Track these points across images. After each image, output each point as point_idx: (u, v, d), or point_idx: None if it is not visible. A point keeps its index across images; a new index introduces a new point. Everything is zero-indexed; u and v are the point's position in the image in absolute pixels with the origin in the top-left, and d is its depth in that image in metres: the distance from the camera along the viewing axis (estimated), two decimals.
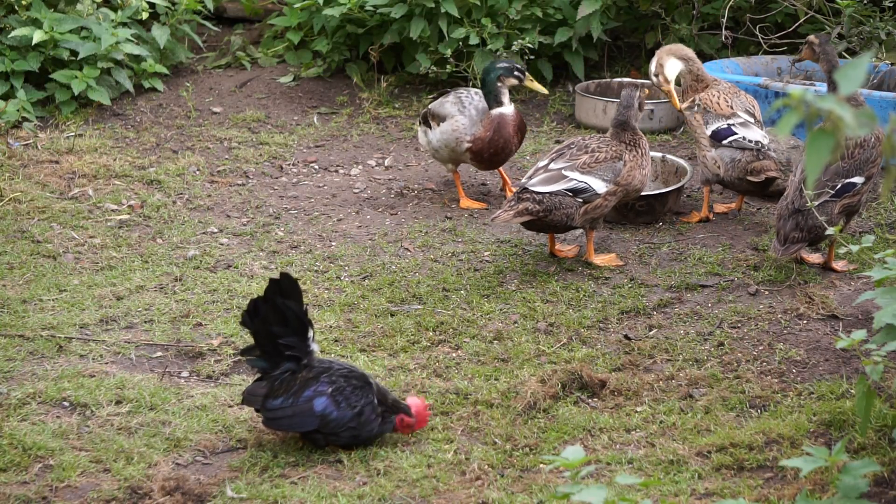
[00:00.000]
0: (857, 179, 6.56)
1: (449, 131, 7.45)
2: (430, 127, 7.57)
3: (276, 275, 6.66)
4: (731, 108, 7.23)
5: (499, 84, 7.35)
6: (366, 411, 5.10)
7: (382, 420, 5.15)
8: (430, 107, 7.65)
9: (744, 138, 7.11)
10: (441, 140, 7.49)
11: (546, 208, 6.56)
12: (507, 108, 7.37)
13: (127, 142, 8.45)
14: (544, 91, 7.64)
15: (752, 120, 7.21)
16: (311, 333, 5.13)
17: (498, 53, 8.92)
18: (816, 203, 6.44)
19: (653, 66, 7.46)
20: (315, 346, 5.17)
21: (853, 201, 6.57)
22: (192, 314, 6.28)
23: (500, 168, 7.79)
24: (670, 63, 7.42)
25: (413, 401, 5.22)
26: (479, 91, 7.56)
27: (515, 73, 7.38)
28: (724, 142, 7.16)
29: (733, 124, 7.17)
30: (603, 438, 5.26)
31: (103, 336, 6.08)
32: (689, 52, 7.49)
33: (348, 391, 5.09)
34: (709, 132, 7.21)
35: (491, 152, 7.40)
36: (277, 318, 5.06)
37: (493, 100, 7.37)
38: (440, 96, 7.71)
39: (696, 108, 7.33)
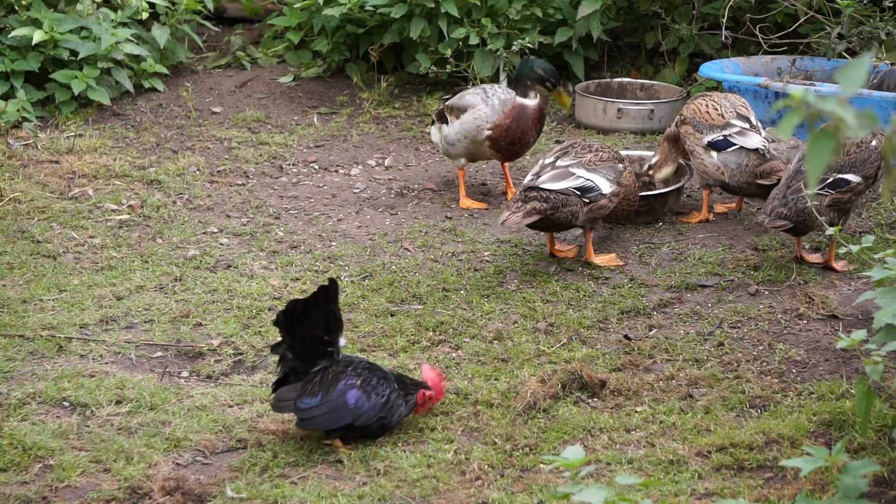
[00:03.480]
0: (851, 177, 6.57)
1: (470, 121, 7.49)
2: (447, 122, 7.59)
3: (277, 275, 6.67)
4: (723, 116, 7.20)
5: (527, 83, 7.43)
6: (392, 398, 5.18)
7: (406, 403, 5.23)
8: (448, 103, 7.68)
9: (742, 148, 7.11)
10: (461, 131, 7.51)
11: (553, 206, 6.57)
12: (530, 101, 7.45)
13: (127, 142, 8.45)
14: (566, 108, 7.73)
15: (746, 125, 7.18)
16: (341, 329, 5.21)
17: (498, 53, 8.93)
18: (811, 192, 6.48)
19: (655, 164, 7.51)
20: (343, 340, 5.23)
21: (844, 198, 6.57)
22: (192, 314, 6.28)
23: (506, 168, 7.80)
24: (666, 170, 7.50)
25: (427, 374, 5.31)
26: (503, 87, 7.66)
27: (547, 83, 7.46)
28: (724, 151, 7.16)
29: (729, 135, 7.15)
30: (603, 438, 5.26)
31: (103, 336, 6.08)
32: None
33: (375, 381, 5.17)
34: (705, 142, 7.19)
35: (508, 141, 7.45)
36: (322, 321, 5.11)
37: (519, 91, 7.47)
38: (456, 94, 7.74)
39: (682, 120, 7.35)
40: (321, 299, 5.09)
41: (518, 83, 7.48)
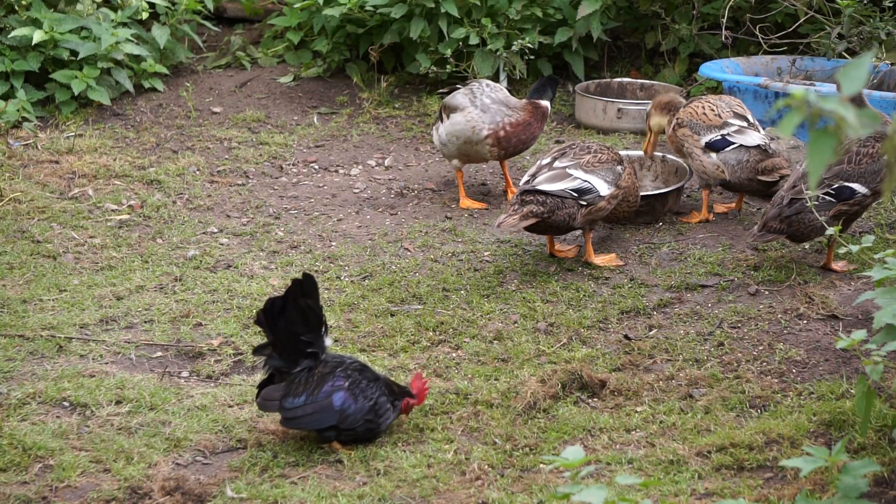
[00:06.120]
0: (858, 187, 6.52)
1: (461, 121, 7.46)
2: (442, 121, 7.59)
3: (277, 275, 6.67)
4: (720, 116, 7.18)
5: (553, 93, 7.61)
6: (380, 402, 5.16)
7: (393, 408, 5.22)
8: (444, 101, 7.68)
9: (742, 146, 7.10)
10: (452, 131, 7.49)
11: (550, 209, 6.55)
12: (547, 102, 7.56)
13: (127, 142, 8.45)
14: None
15: (745, 123, 7.17)
16: (324, 328, 5.15)
17: (498, 53, 8.93)
18: (813, 194, 6.45)
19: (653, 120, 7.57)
20: (328, 341, 5.19)
21: (851, 209, 6.54)
22: (192, 314, 6.28)
23: (505, 168, 7.80)
24: (655, 120, 7.53)
25: (414, 380, 5.30)
26: (491, 82, 7.64)
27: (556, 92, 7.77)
28: (724, 150, 7.14)
29: (727, 134, 7.14)
30: (603, 438, 5.26)
31: (103, 336, 6.08)
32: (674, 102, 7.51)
33: (364, 384, 5.14)
34: (703, 143, 7.18)
35: (523, 138, 7.47)
36: (300, 317, 5.06)
37: (539, 95, 7.54)
38: (452, 91, 7.73)
39: (678, 123, 7.34)
40: (296, 294, 5.06)
41: (543, 91, 7.53)
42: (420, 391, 5.28)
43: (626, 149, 8.26)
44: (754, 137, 7.11)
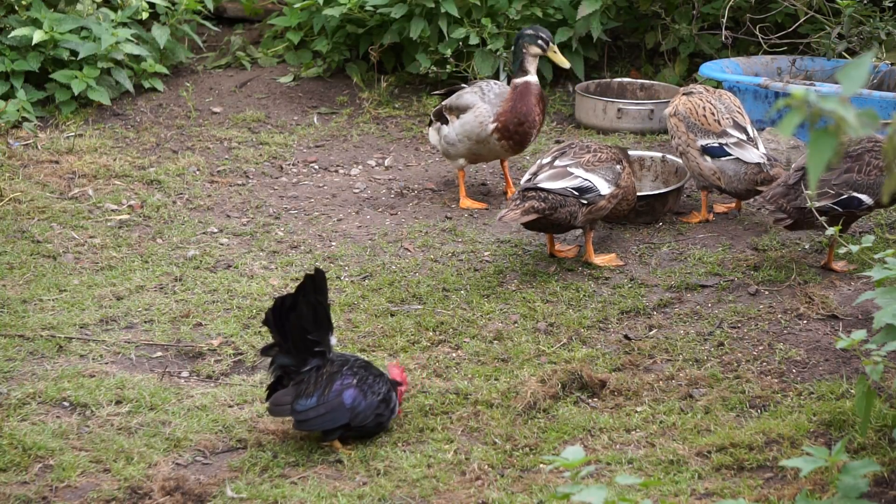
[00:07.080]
0: (866, 198, 6.50)
1: (472, 120, 7.45)
2: (447, 122, 7.57)
3: (277, 275, 6.67)
4: (719, 123, 7.11)
5: (523, 51, 7.39)
6: (389, 396, 5.19)
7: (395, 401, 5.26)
8: (445, 102, 7.65)
9: (739, 160, 7.05)
10: (462, 132, 7.48)
11: (551, 206, 6.55)
12: (532, 77, 7.41)
13: (127, 142, 8.45)
14: (566, 65, 7.62)
15: (744, 137, 7.08)
16: (330, 327, 5.17)
17: (498, 53, 8.93)
18: (818, 204, 6.42)
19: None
20: (334, 339, 5.19)
21: (852, 217, 6.53)
22: (192, 314, 6.28)
23: (506, 168, 7.79)
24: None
25: (393, 371, 5.33)
26: (497, 81, 7.65)
27: (539, 41, 7.40)
28: (721, 159, 7.11)
29: (726, 144, 7.08)
30: (603, 438, 5.26)
31: (103, 336, 6.08)
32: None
33: (370, 380, 5.16)
34: (699, 145, 7.14)
35: (516, 122, 7.39)
36: (310, 314, 5.07)
37: (517, 69, 7.42)
38: (450, 93, 7.71)
39: (673, 111, 7.27)
40: (308, 290, 5.06)
41: (515, 60, 7.43)
42: (404, 380, 5.31)
43: (626, 148, 8.26)
44: (753, 155, 7.01)
